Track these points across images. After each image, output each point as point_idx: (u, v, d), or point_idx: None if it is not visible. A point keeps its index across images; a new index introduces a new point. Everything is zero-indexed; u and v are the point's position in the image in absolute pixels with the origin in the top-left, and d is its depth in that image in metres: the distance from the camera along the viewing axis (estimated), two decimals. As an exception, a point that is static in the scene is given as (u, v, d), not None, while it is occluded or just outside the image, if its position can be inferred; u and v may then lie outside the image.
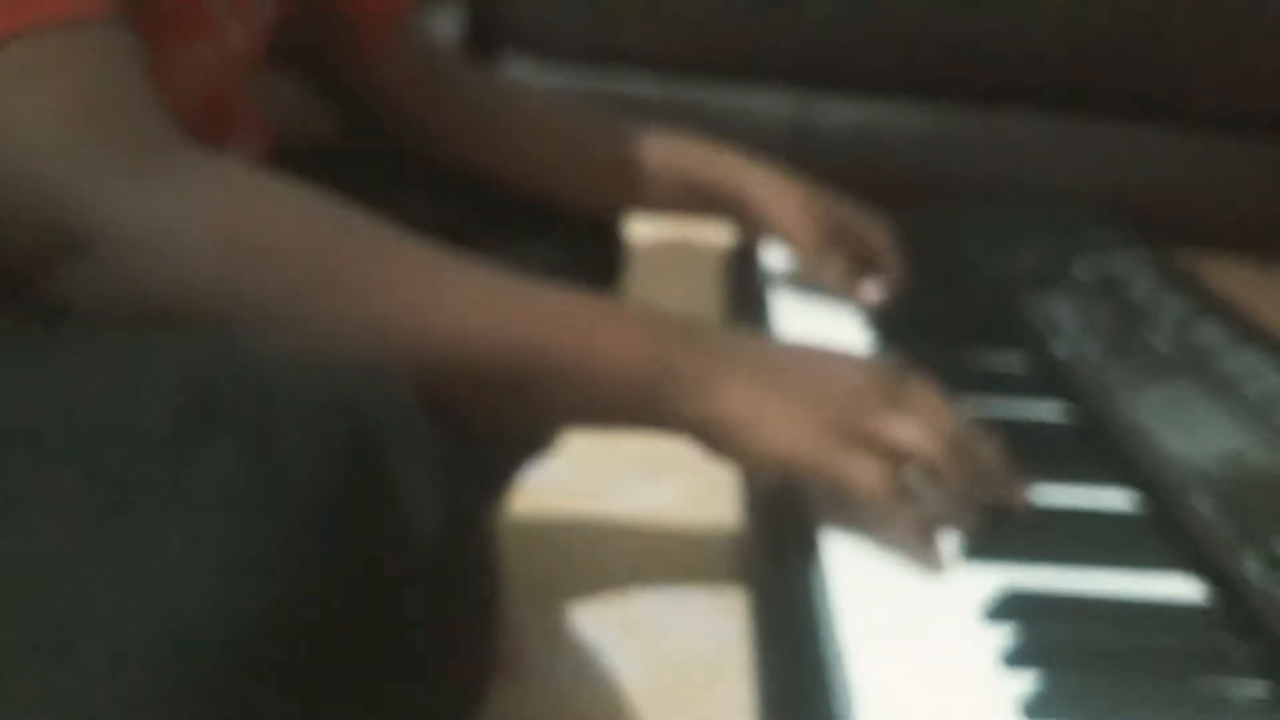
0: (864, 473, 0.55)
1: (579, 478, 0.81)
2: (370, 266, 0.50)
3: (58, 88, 0.43)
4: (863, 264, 0.95)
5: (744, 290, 1.02)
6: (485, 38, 1.49)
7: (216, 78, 0.64)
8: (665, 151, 0.90)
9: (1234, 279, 1.08)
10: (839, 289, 0.92)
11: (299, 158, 0.53)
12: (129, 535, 0.34)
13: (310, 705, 0.36)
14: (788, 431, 0.55)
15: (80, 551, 0.34)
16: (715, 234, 1.09)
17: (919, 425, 0.56)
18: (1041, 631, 0.51)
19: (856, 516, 0.60)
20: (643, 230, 1.31)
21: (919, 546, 0.56)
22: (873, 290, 0.91)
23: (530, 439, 0.81)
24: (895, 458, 0.55)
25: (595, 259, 0.93)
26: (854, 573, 0.56)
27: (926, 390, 0.59)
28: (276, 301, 0.47)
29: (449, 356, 0.51)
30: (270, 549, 0.35)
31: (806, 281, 0.96)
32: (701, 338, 0.58)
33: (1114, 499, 0.65)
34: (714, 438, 0.56)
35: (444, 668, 0.42)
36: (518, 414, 0.58)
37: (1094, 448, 0.70)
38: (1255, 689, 0.49)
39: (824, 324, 0.91)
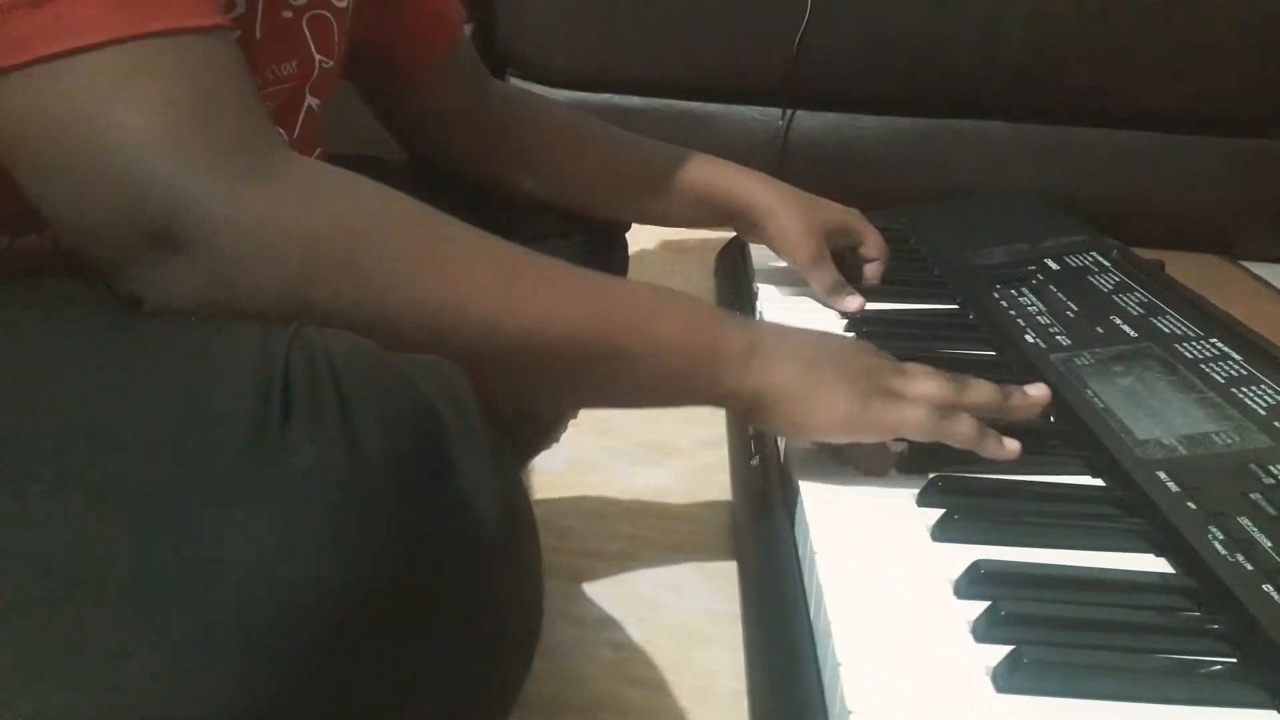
0: (911, 413, 0.62)
1: (579, 461, 0.83)
2: (450, 263, 0.51)
3: (165, 90, 0.44)
4: (848, 263, 0.99)
5: (734, 283, 1.04)
6: (487, 62, 1.51)
7: (291, 98, 0.65)
8: (683, 168, 0.94)
9: (1195, 274, 1.11)
10: (824, 299, 0.96)
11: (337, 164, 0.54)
12: (218, 520, 0.35)
13: (380, 680, 0.38)
14: (836, 405, 0.61)
15: (172, 537, 0.35)
16: (707, 230, 1.11)
17: (926, 378, 0.63)
18: (1012, 606, 0.52)
19: (839, 499, 0.62)
20: (641, 229, 1.33)
21: (986, 451, 0.63)
22: (854, 303, 0.95)
23: (539, 430, 0.83)
24: (923, 400, 0.62)
25: (607, 257, 0.95)
26: (838, 551, 0.58)
27: (914, 364, 0.66)
28: (355, 300, 0.47)
29: (527, 346, 0.53)
30: (352, 531, 0.36)
31: (793, 276, 0.99)
32: (740, 321, 0.63)
33: (1083, 481, 0.67)
34: (768, 408, 0.61)
35: (503, 636, 0.44)
36: (583, 396, 0.62)
37: (1063, 432, 0.72)
38: (1220, 660, 0.51)
39: (806, 316, 0.93)
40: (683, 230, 1.01)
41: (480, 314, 0.51)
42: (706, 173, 0.94)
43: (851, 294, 0.95)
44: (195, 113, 0.45)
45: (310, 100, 0.67)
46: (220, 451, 0.36)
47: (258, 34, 0.59)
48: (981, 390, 0.65)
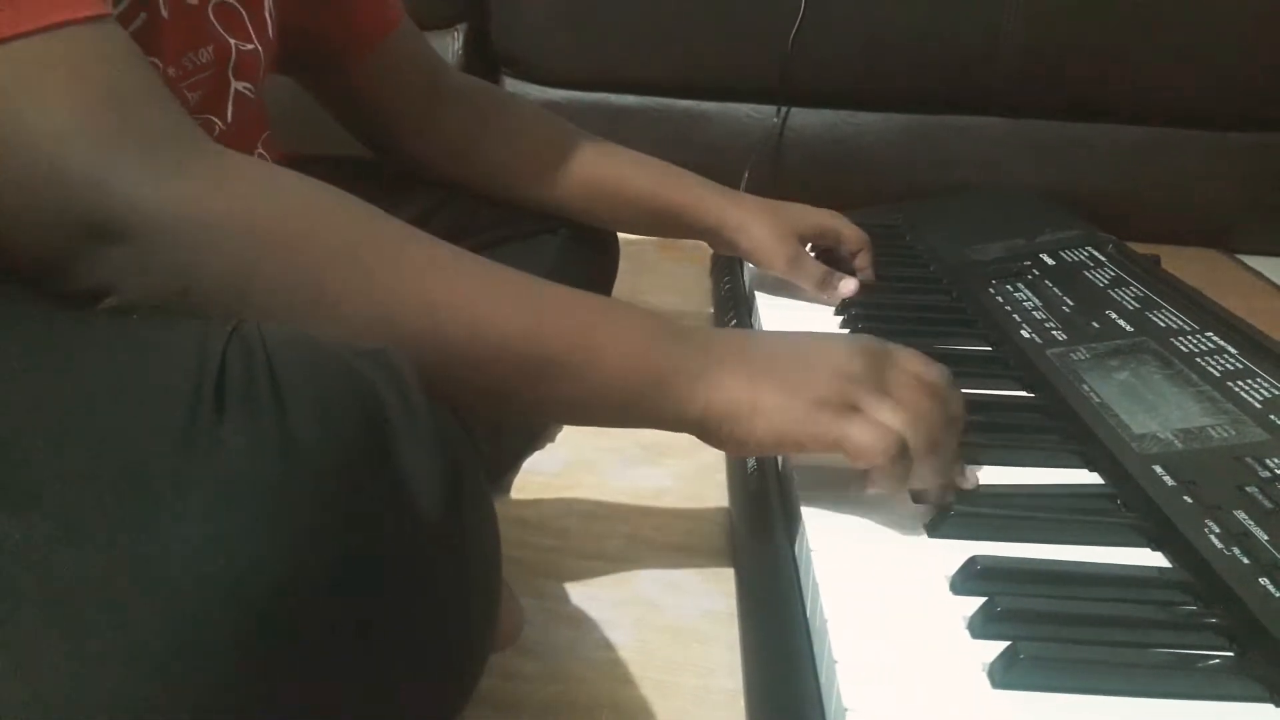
0: (858, 432, 0.56)
1: (577, 462, 0.83)
2: (387, 259, 0.51)
3: (77, 81, 0.44)
4: (838, 261, 1.00)
5: (730, 286, 1.05)
6: (482, 63, 1.52)
7: (216, 85, 0.64)
8: (647, 179, 0.94)
9: (1191, 268, 1.11)
10: (816, 294, 0.96)
11: (305, 165, 0.54)
12: (147, 512, 0.35)
13: (321, 669, 0.37)
14: (781, 414, 0.57)
15: (99, 528, 0.35)
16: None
17: (898, 410, 0.57)
18: (1008, 602, 0.52)
19: (835, 498, 0.62)
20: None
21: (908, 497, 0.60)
22: (847, 286, 0.95)
23: (532, 430, 0.83)
24: (882, 429, 0.56)
25: (594, 256, 0.95)
26: (834, 550, 0.58)
27: (908, 370, 0.60)
28: (296, 289, 0.48)
29: (461, 350, 0.52)
30: (286, 521, 0.36)
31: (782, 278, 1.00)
32: (692, 336, 0.59)
33: (1079, 476, 0.67)
34: (712, 431, 0.58)
35: (448, 635, 0.43)
36: (522, 409, 0.59)
37: (1059, 426, 0.72)
38: (1217, 654, 0.51)
39: (803, 316, 0.94)
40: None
41: (417, 307, 0.51)
42: (677, 190, 0.94)
43: (842, 278, 0.95)
44: (110, 101, 0.45)
45: (236, 85, 0.66)
46: (152, 447, 0.36)
47: (164, 13, 0.58)
48: (931, 475, 0.59)
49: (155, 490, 0.35)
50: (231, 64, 0.65)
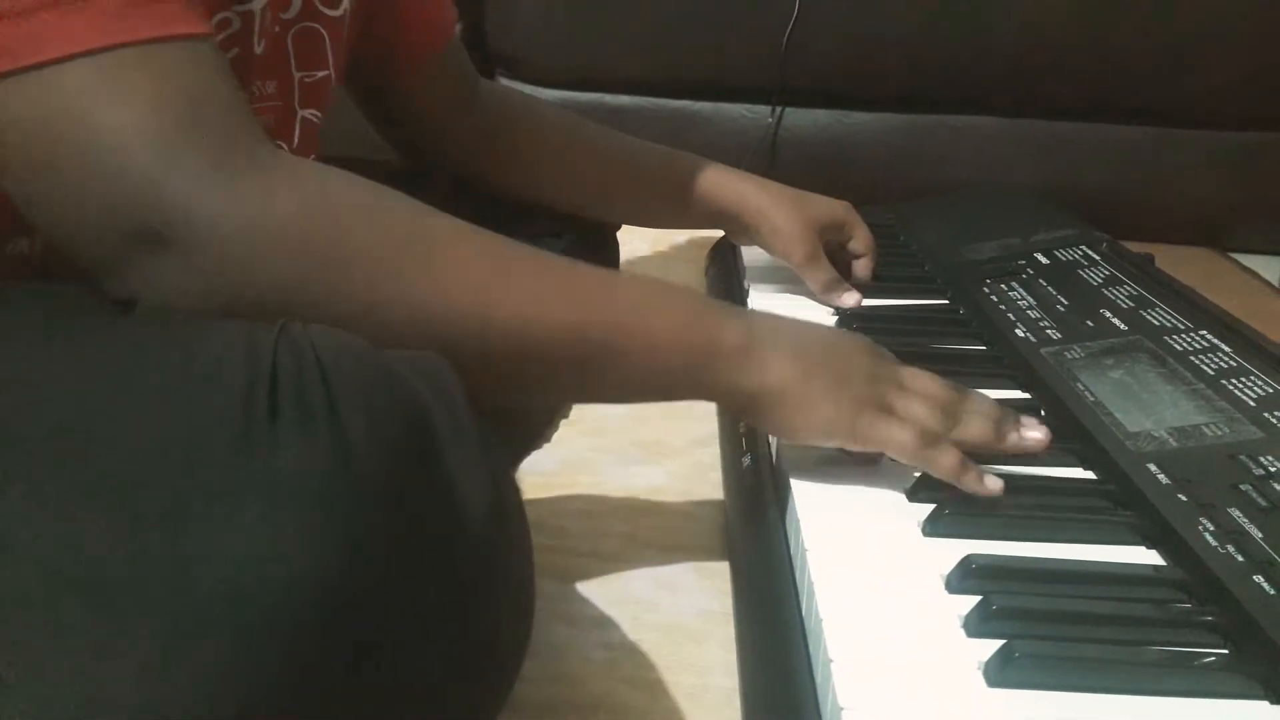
0: (899, 433, 0.60)
1: (573, 461, 0.83)
2: (440, 257, 0.51)
3: (154, 91, 0.44)
4: (842, 254, 1.00)
5: (726, 282, 1.05)
6: (477, 63, 1.51)
7: (282, 114, 0.65)
8: (673, 171, 0.94)
9: (1186, 267, 1.11)
10: (821, 296, 0.96)
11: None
12: (205, 517, 0.35)
13: (368, 675, 0.38)
14: (831, 407, 0.60)
15: (158, 534, 0.35)
16: (696, 230, 1.12)
17: (921, 402, 0.62)
18: (1003, 600, 0.52)
19: (830, 497, 0.62)
20: (632, 229, 1.33)
21: (966, 487, 0.61)
22: (851, 299, 0.95)
23: (529, 430, 0.83)
24: (913, 424, 0.61)
25: (598, 256, 0.95)
26: (829, 548, 0.58)
27: (914, 370, 0.65)
28: (347, 297, 0.48)
29: (520, 338, 0.52)
30: (339, 527, 0.36)
31: (784, 273, 1.00)
32: (737, 313, 0.62)
33: (1074, 474, 0.67)
34: (765, 410, 0.61)
35: (493, 631, 0.44)
36: (572, 394, 0.61)
37: (1054, 425, 0.72)
38: (1212, 651, 0.51)
39: (798, 314, 0.93)
40: (673, 230, 1.02)
41: (469, 307, 0.51)
42: (697, 175, 0.94)
43: (848, 290, 0.96)
44: (183, 113, 0.45)
45: (304, 112, 0.67)
46: (207, 449, 0.37)
47: (257, 48, 0.59)
48: (975, 426, 0.63)
49: (210, 494, 0.36)
50: (296, 96, 0.65)
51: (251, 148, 0.47)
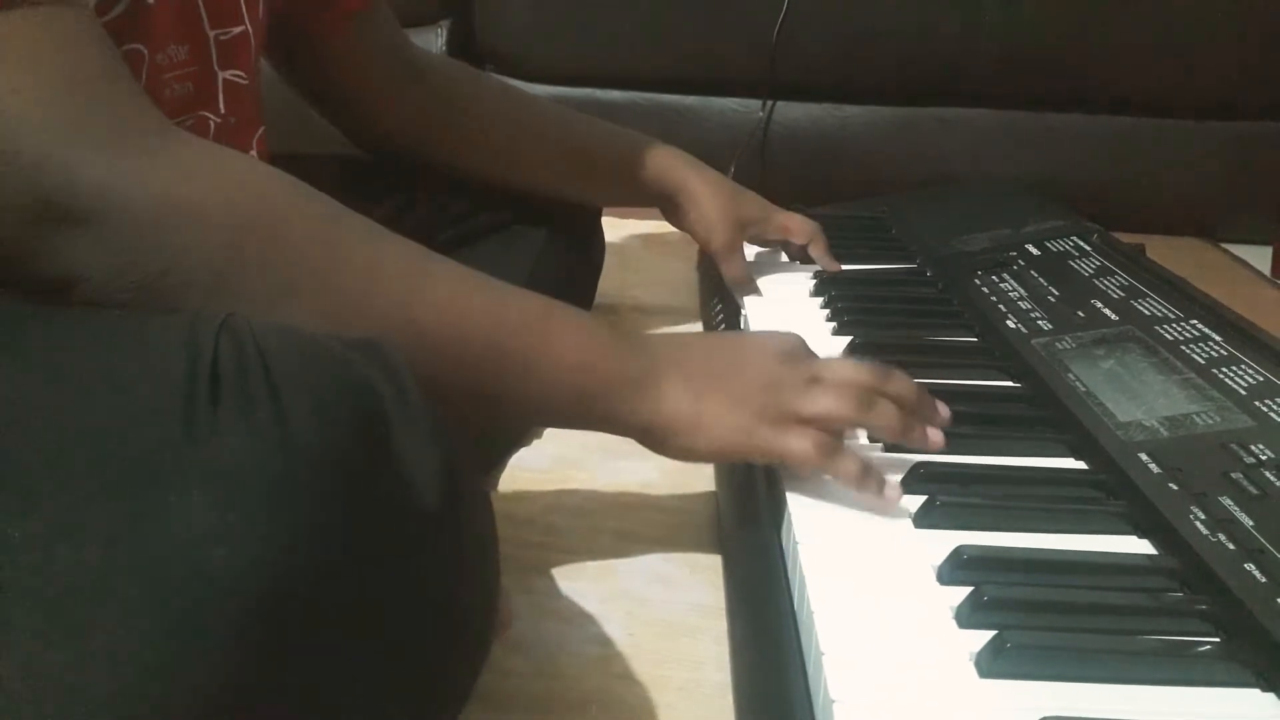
0: (797, 443, 0.60)
1: (564, 458, 0.83)
2: (364, 248, 0.52)
3: (39, 64, 0.43)
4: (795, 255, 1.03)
5: (720, 281, 1.05)
6: (467, 60, 1.51)
7: (202, 78, 0.64)
8: (617, 148, 0.95)
9: (1177, 257, 1.11)
10: (731, 289, 0.98)
11: (285, 163, 0.54)
12: (146, 507, 0.35)
13: (322, 660, 0.37)
14: (724, 427, 0.60)
15: (98, 525, 0.34)
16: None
17: (832, 394, 0.61)
18: (995, 591, 0.52)
19: (821, 490, 0.62)
20: (626, 224, 1.33)
21: (865, 494, 0.60)
22: (752, 299, 0.96)
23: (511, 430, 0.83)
24: (820, 425, 0.60)
25: (578, 253, 0.95)
26: (820, 541, 0.58)
27: (836, 359, 0.65)
28: (277, 271, 0.48)
29: (432, 343, 0.53)
30: (284, 513, 0.36)
31: (774, 270, 1.02)
32: (636, 344, 0.62)
33: (1065, 464, 0.67)
34: (658, 439, 0.61)
35: (447, 627, 0.43)
36: (481, 406, 0.59)
37: (1045, 415, 0.72)
38: (1204, 640, 0.51)
39: (789, 312, 0.93)
40: (666, 224, 1.01)
41: (396, 295, 0.52)
42: (639, 153, 0.95)
43: (753, 289, 0.97)
44: (75, 85, 0.44)
45: (225, 74, 0.66)
46: (148, 440, 0.36)
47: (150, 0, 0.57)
48: (883, 414, 0.62)
49: (154, 485, 0.35)
50: (214, 55, 0.64)
51: (157, 122, 0.47)
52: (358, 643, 0.38)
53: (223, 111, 0.65)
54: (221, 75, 0.65)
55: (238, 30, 0.66)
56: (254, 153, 0.72)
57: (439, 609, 0.42)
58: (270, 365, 0.39)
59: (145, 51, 0.58)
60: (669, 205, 0.97)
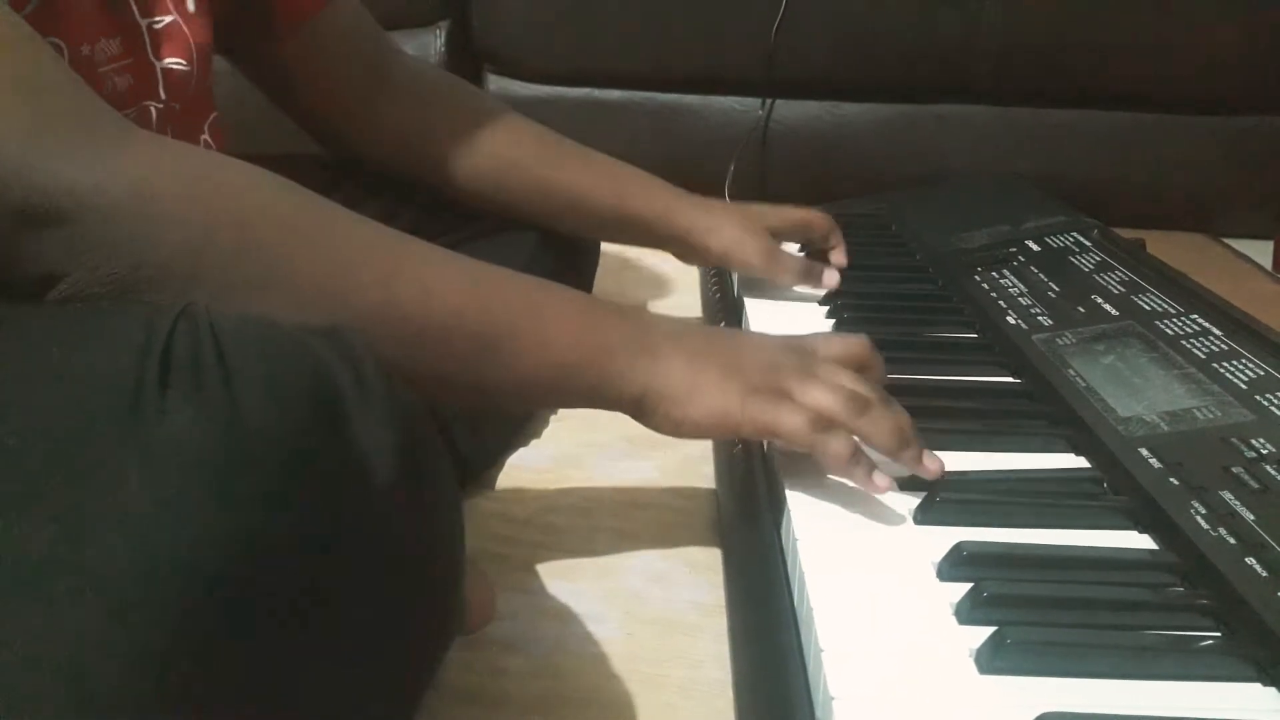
0: (789, 418, 0.59)
1: (563, 457, 0.83)
2: (340, 234, 0.52)
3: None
4: (815, 254, 1.00)
5: (720, 282, 1.05)
6: (465, 60, 1.51)
7: (140, 68, 0.63)
8: (611, 186, 0.91)
9: (1177, 252, 1.11)
10: (801, 285, 0.95)
11: (277, 164, 0.54)
12: (90, 484, 0.35)
13: (275, 638, 0.37)
14: (718, 399, 0.59)
15: (43, 502, 0.34)
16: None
17: (829, 392, 0.60)
18: (995, 587, 0.52)
19: (821, 487, 0.62)
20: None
21: (853, 477, 0.60)
22: (830, 277, 0.94)
23: (511, 427, 0.82)
24: (808, 409, 0.59)
25: (571, 254, 0.94)
26: (820, 538, 0.58)
27: (831, 353, 0.64)
28: (251, 262, 0.48)
29: (414, 326, 0.52)
30: (230, 493, 0.36)
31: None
32: (632, 315, 0.62)
33: (1065, 460, 0.67)
34: (649, 411, 0.60)
35: (407, 605, 0.43)
36: (470, 389, 0.58)
37: (1045, 411, 0.72)
38: (1205, 635, 0.50)
39: (791, 317, 0.93)
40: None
41: (373, 275, 0.51)
42: (633, 197, 0.92)
43: (824, 269, 0.94)
44: (27, 87, 0.44)
45: (163, 63, 0.65)
46: (95, 421, 0.36)
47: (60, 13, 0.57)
48: (882, 425, 0.60)
49: (98, 462, 0.35)
50: (148, 45, 0.64)
51: (116, 120, 0.47)
52: (312, 620, 0.38)
53: (164, 98, 0.65)
54: (159, 64, 0.64)
55: (168, 20, 0.65)
56: (206, 138, 0.71)
57: (397, 587, 0.42)
58: (224, 349, 0.39)
59: (64, 46, 0.57)
60: (681, 247, 0.94)
